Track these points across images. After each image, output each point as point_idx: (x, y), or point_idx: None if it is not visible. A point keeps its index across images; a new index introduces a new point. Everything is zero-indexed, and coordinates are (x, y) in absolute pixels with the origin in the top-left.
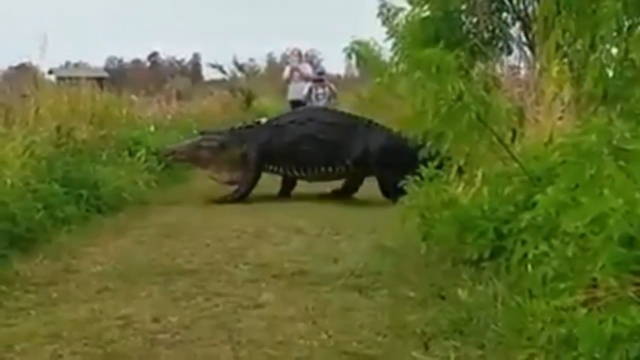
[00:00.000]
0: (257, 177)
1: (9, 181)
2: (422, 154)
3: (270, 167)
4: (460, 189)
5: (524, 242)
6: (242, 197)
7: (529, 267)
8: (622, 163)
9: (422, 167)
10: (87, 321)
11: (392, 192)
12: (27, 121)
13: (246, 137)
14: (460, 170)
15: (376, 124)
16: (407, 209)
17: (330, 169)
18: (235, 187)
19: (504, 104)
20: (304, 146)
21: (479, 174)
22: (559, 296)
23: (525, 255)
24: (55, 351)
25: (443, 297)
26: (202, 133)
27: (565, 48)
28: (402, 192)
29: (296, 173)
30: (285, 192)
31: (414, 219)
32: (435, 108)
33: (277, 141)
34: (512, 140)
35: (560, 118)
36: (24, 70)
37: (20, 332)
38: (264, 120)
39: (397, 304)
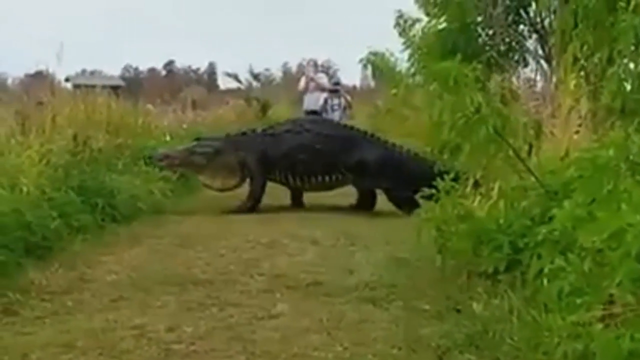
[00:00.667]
0: (264, 183)
1: (25, 189)
2: (420, 167)
3: (267, 175)
4: (476, 202)
5: (540, 256)
6: (254, 206)
7: (545, 281)
8: (639, 178)
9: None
10: (101, 331)
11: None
12: (44, 129)
13: (241, 144)
14: (476, 184)
15: (372, 136)
16: (422, 221)
17: (326, 179)
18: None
19: (521, 117)
20: (300, 155)
21: (495, 187)
22: (575, 311)
23: (542, 269)
24: None
25: (458, 310)
26: (197, 139)
27: (582, 61)
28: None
29: (292, 182)
30: (297, 202)
31: (429, 231)
32: (452, 120)
33: (273, 150)
34: (529, 153)
35: (577, 132)
36: (40, 78)
37: (36, 341)
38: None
39: (412, 316)
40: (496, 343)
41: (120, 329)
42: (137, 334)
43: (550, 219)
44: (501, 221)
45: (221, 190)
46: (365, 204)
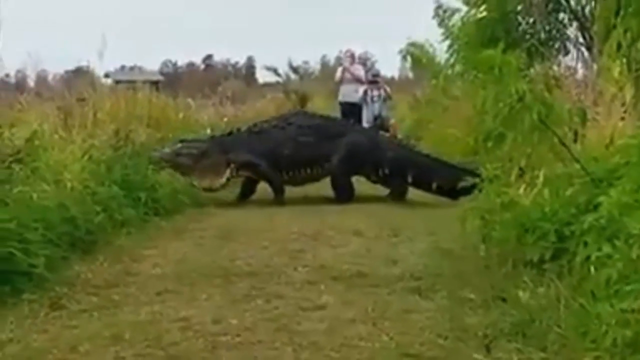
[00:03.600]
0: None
1: (69, 184)
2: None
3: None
4: (521, 190)
5: (586, 244)
6: (281, 193)
7: (592, 269)
8: None
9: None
10: (148, 323)
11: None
12: (86, 125)
13: (227, 144)
14: (521, 172)
15: (354, 124)
16: (467, 210)
17: (311, 171)
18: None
19: (566, 105)
20: (285, 150)
21: (540, 175)
22: (624, 299)
23: (588, 257)
24: (117, 353)
25: (504, 299)
26: (181, 141)
27: (626, 48)
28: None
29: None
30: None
31: (474, 220)
32: (496, 109)
33: (259, 147)
34: (575, 141)
35: (622, 119)
36: (80, 74)
37: (83, 333)
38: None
39: (458, 306)
40: (543, 331)
41: (166, 322)
42: (183, 326)
43: (596, 206)
44: (546, 209)
45: (209, 190)
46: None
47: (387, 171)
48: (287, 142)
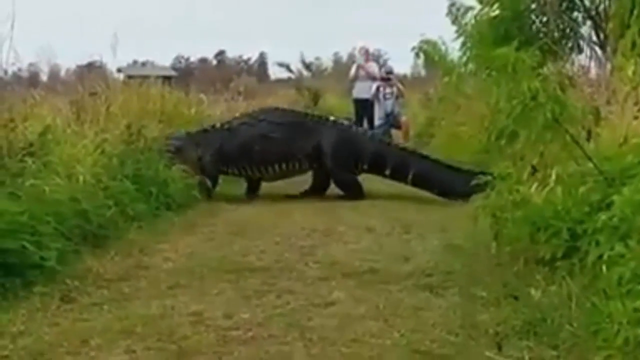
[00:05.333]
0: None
1: (81, 178)
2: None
3: (226, 169)
4: (533, 188)
5: (598, 243)
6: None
7: (604, 268)
8: None
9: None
10: (159, 317)
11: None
12: (98, 119)
13: (200, 141)
14: (533, 170)
15: (327, 119)
16: (478, 208)
17: (284, 167)
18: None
19: (579, 104)
20: (257, 146)
21: (553, 173)
22: (636, 298)
23: (601, 256)
24: (129, 346)
25: (516, 297)
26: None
27: None
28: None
29: (251, 173)
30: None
31: (485, 218)
32: (509, 107)
33: (229, 143)
34: (588, 140)
35: (636, 118)
36: (92, 69)
37: (95, 327)
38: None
39: (469, 303)
40: (555, 330)
41: (178, 316)
42: (195, 321)
43: (609, 205)
44: (559, 208)
45: None
46: (318, 189)
47: (365, 166)
48: (258, 139)
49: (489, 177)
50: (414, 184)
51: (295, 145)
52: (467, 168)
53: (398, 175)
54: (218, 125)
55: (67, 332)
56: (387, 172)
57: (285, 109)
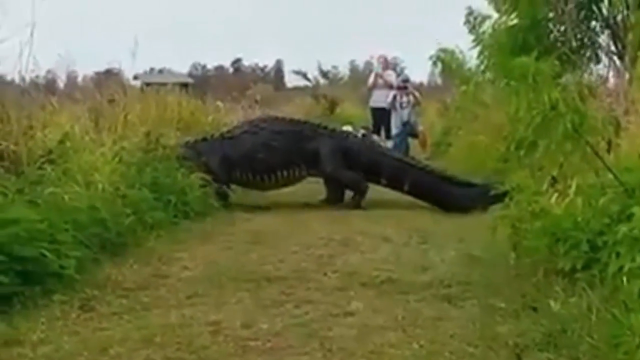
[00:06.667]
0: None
1: (100, 186)
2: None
3: (229, 177)
4: (552, 199)
5: (619, 255)
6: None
7: (625, 279)
8: None
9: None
10: (178, 326)
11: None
12: (116, 127)
13: (202, 150)
14: (553, 181)
15: (325, 127)
16: (497, 218)
17: (285, 175)
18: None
19: (599, 114)
20: (259, 155)
21: (573, 184)
22: None
23: (621, 267)
24: (148, 356)
25: (535, 309)
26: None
27: None
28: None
29: (252, 180)
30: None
31: (504, 229)
32: (528, 117)
33: (232, 152)
34: (608, 151)
35: None
36: (109, 76)
37: (114, 336)
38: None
39: (488, 314)
40: (575, 342)
41: (197, 325)
42: (214, 330)
43: (630, 216)
44: (579, 219)
45: None
46: (334, 198)
47: (362, 174)
48: (260, 147)
49: (489, 188)
50: (410, 193)
51: (294, 153)
52: (465, 179)
53: (394, 184)
54: (217, 134)
55: (86, 341)
56: (383, 181)
57: (283, 117)
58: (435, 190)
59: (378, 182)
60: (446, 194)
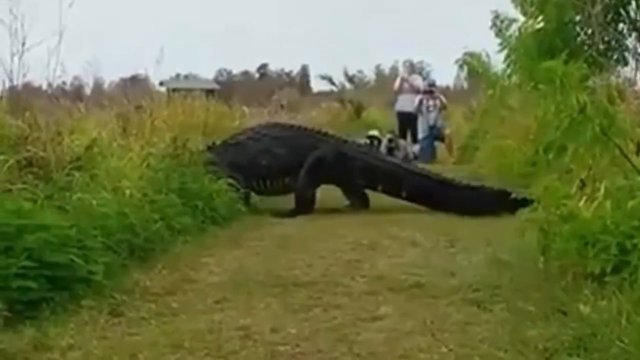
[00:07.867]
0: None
1: (127, 192)
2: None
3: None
4: (581, 202)
5: None
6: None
7: None
8: None
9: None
10: (207, 331)
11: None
12: (143, 133)
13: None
14: (581, 184)
15: (325, 134)
16: (525, 222)
17: (286, 181)
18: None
19: (627, 116)
20: (262, 161)
21: (601, 187)
22: None
23: None
24: None
25: (564, 313)
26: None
27: None
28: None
29: (256, 186)
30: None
31: (532, 232)
32: (557, 120)
33: (237, 159)
34: (637, 153)
35: None
36: (135, 82)
37: (143, 341)
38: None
39: (517, 318)
40: (605, 345)
41: (226, 330)
42: (243, 335)
43: None
44: (608, 222)
45: None
46: (358, 203)
47: (360, 181)
48: (264, 153)
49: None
50: (408, 199)
51: (294, 159)
52: (465, 183)
53: (391, 190)
54: (219, 142)
55: (115, 346)
56: (380, 187)
57: (285, 124)
58: (435, 195)
59: (375, 189)
60: (445, 199)
